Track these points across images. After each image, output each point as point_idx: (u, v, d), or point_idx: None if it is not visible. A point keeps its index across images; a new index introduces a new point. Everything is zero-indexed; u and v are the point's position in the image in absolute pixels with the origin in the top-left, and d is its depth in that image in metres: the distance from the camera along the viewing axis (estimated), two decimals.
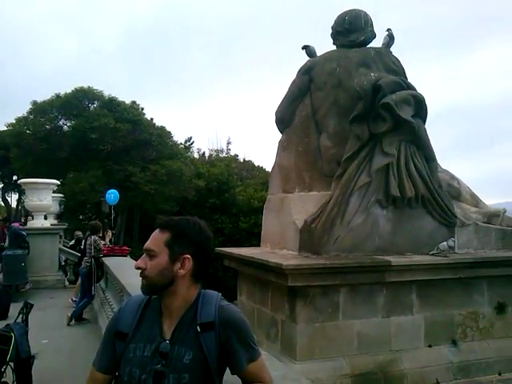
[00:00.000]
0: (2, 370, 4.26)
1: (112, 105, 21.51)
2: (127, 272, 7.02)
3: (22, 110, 22.08)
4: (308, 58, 6.82)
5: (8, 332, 4.41)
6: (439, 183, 6.34)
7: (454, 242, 6.06)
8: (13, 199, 34.11)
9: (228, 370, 1.89)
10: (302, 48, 6.85)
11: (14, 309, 7.06)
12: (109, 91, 22.50)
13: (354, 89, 6.04)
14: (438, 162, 6.61)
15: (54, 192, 15.84)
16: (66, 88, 22.08)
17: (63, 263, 14.65)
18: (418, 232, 6.13)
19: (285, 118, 6.59)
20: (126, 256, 10.13)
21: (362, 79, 6.02)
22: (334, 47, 6.80)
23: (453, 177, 7.15)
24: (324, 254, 5.66)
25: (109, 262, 9.07)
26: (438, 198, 6.14)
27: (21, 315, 5.03)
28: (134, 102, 23.06)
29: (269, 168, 25.81)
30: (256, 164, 29.37)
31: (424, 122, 6.25)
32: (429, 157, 6.25)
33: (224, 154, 30.29)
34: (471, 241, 6.44)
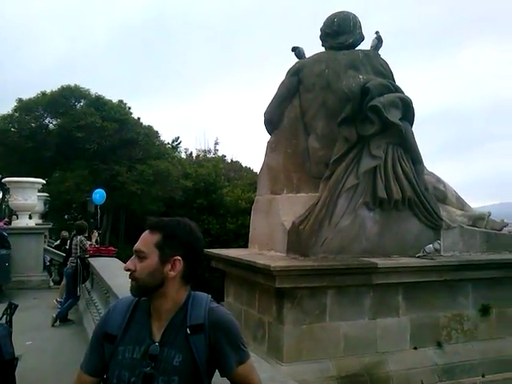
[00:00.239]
0: None
1: (99, 103, 21.29)
2: (114, 273, 6.96)
3: (7, 107, 21.73)
4: (297, 60, 6.85)
5: None
6: (426, 186, 6.40)
7: (440, 244, 6.11)
8: None
9: (217, 372, 1.89)
10: (292, 49, 6.87)
11: None
12: (96, 90, 22.31)
13: (342, 91, 6.07)
14: (427, 164, 6.69)
15: (39, 191, 15.65)
16: (52, 86, 21.84)
17: (48, 263, 14.47)
18: (405, 234, 6.18)
19: (273, 120, 6.60)
20: (112, 256, 10.04)
21: (350, 81, 6.05)
22: (323, 49, 6.83)
23: (439, 180, 7.22)
24: (312, 255, 5.68)
25: (95, 262, 8.99)
26: (424, 200, 6.19)
27: (4, 316, 4.94)
28: (121, 101, 22.85)
29: (256, 169, 25.76)
30: (244, 165, 29.34)
31: (411, 124, 6.31)
32: (416, 160, 6.30)
33: (212, 155, 30.20)
34: (456, 243, 6.51)
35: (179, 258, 1.84)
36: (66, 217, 24.37)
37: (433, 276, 5.92)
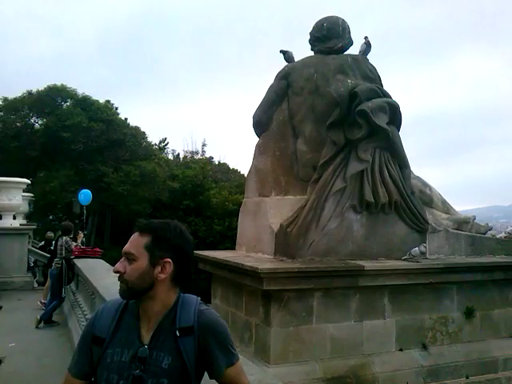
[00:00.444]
0: None
1: (85, 103, 21.12)
2: (99, 274, 6.91)
3: None
4: (286, 63, 6.87)
5: None
6: (412, 190, 6.46)
7: (426, 247, 6.18)
8: None
9: (206, 375, 1.89)
10: (280, 52, 6.89)
11: None
12: (83, 89, 22.13)
13: (330, 95, 6.11)
14: (413, 168, 6.75)
15: (23, 191, 15.46)
16: (38, 85, 21.63)
17: (32, 264, 14.30)
18: (391, 237, 6.23)
19: (262, 122, 6.61)
20: (98, 258, 9.95)
21: (338, 85, 6.10)
22: (312, 53, 6.87)
23: (425, 184, 7.30)
24: (299, 257, 5.70)
25: (80, 263, 8.90)
26: (410, 204, 6.26)
27: None
28: (107, 101, 22.69)
29: (244, 171, 25.79)
30: (231, 167, 29.31)
31: (398, 129, 6.37)
32: (402, 164, 6.37)
33: (199, 156, 30.12)
34: (442, 247, 6.59)
35: (169, 260, 1.84)
36: (50, 217, 24.10)
37: (418, 279, 5.98)
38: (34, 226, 17.52)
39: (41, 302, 10.20)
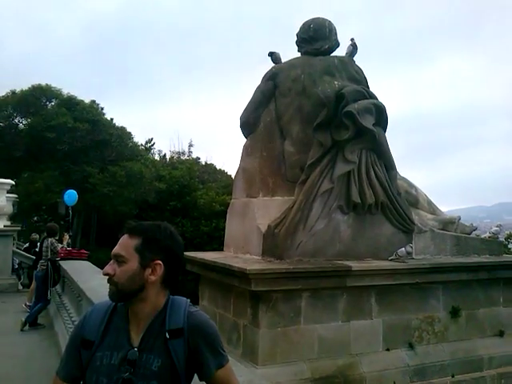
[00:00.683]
0: None
1: (71, 103, 20.94)
2: (86, 276, 6.87)
3: None
4: (273, 64, 6.89)
5: None
6: (398, 191, 6.51)
7: (412, 247, 6.23)
8: None
9: (196, 377, 1.89)
10: (268, 54, 6.90)
11: None
12: (68, 89, 21.93)
13: (317, 96, 6.14)
14: (399, 168, 6.80)
15: (7, 192, 15.26)
16: (22, 85, 21.37)
17: (17, 266, 14.13)
18: (378, 238, 6.28)
19: (249, 123, 6.61)
20: (84, 259, 9.87)
21: (325, 87, 6.13)
22: (299, 54, 6.90)
23: (411, 185, 7.37)
24: (287, 258, 5.71)
25: (66, 265, 8.83)
26: (396, 205, 6.31)
27: None
28: (93, 102, 22.54)
29: (231, 171, 25.79)
30: (218, 167, 29.29)
31: (385, 130, 6.42)
32: (389, 165, 6.41)
33: (186, 157, 30.05)
34: (428, 247, 6.66)
35: (160, 262, 1.84)
36: (35, 218, 23.84)
37: (405, 279, 6.03)
38: (19, 228, 17.32)
39: (25, 305, 10.09)
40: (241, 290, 5.61)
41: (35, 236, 15.50)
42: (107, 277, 1.85)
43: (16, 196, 19.13)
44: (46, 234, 9.89)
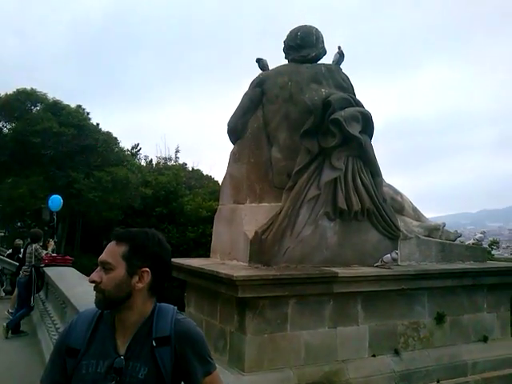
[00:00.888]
0: None
1: (56, 108, 20.72)
2: (70, 283, 6.79)
3: None
4: (260, 71, 6.92)
5: None
6: (384, 197, 6.57)
7: (398, 254, 6.28)
8: None
9: None
10: (256, 61, 6.94)
11: None
12: (53, 94, 21.73)
13: (304, 103, 6.18)
14: (384, 175, 6.86)
15: None
16: (7, 89, 21.14)
17: None
18: (364, 244, 6.32)
19: (237, 129, 6.63)
20: (68, 266, 9.75)
21: (313, 94, 6.17)
22: (286, 61, 6.94)
23: (396, 191, 7.43)
24: (274, 265, 5.72)
25: (50, 272, 8.72)
26: (382, 211, 6.36)
27: None
28: (79, 106, 22.33)
29: (218, 177, 25.74)
30: (205, 173, 29.20)
31: (371, 138, 6.47)
32: (374, 172, 6.47)
33: (172, 162, 29.90)
34: (413, 253, 6.71)
35: (147, 269, 1.83)
36: (18, 224, 23.51)
37: (391, 285, 6.07)
38: (2, 234, 17.08)
39: (8, 312, 9.93)
40: (227, 297, 5.60)
41: (19, 242, 15.29)
42: (93, 284, 1.84)
43: None
44: (29, 239, 9.77)
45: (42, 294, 9.51)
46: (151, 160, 30.63)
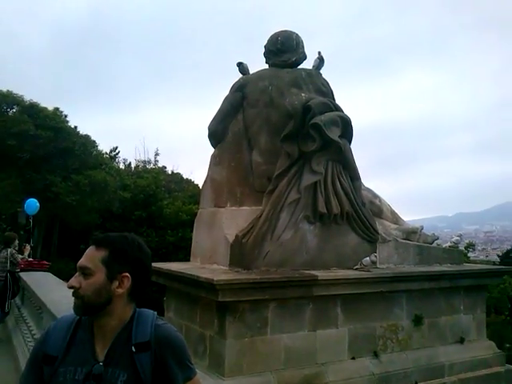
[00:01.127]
0: None
1: (33, 110, 20.39)
2: (47, 288, 6.67)
3: None
4: (241, 75, 6.93)
5: None
6: (363, 201, 6.63)
7: (376, 257, 6.35)
8: None
9: None
10: (236, 65, 6.95)
11: None
12: (30, 96, 21.37)
13: (285, 108, 6.21)
14: (363, 179, 6.93)
15: None
16: None
17: None
18: (343, 247, 6.37)
19: (217, 133, 6.62)
20: (45, 271, 9.59)
21: (293, 99, 6.21)
22: (267, 66, 6.97)
23: (375, 195, 7.52)
24: (254, 268, 5.71)
25: (26, 277, 8.55)
26: (361, 215, 6.42)
27: None
28: (56, 109, 22.00)
29: (198, 181, 25.64)
30: (185, 176, 29.09)
31: (350, 142, 6.54)
32: (354, 176, 6.53)
33: (151, 166, 29.69)
34: (391, 256, 6.80)
35: (127, 274, 1.82)
36: None
37: (370, 288, 6.13)
38: None
39: None
40: (208, 301, 5.57)
41: None
42: (72, 289, 1.82)
43: None
44: (3, 243, 9.57)
45: (17, 299, 9.32)
46: (130, 163, 30.39)
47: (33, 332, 6.66)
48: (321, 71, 6.93)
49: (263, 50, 6.95)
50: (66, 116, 22.25)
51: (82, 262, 1.82)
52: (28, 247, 10.64)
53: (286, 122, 6.18)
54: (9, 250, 8.96)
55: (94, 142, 23.30)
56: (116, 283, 1.81)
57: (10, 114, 20.45)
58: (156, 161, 30.49)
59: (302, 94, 6.32)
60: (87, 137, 22.62)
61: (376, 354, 6.22)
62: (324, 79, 6.79)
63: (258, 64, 7.03)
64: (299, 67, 6.84)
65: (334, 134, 6.12)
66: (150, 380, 1.79)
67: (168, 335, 1.87)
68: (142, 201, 21.91)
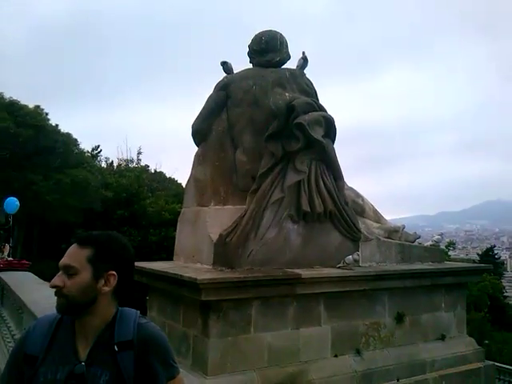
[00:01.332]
0: None
1: (13, 108, 20.10)
2: (28, 288, 6.58)
3: None
4: (225, 74, 6.92)
5: None
6: (346, 200, 6.68)
7: (359, 255, 6.40)
8: None
9: None
10: (220, 64, 6.93)
11: None
12: (10, 94, 21.05)
13: (269, 107, 6.23)
14: (346, 178, 6.98)
15: None
16: None
17: None
18: (326, 246, 6.40)
19: (201, 132, 6.60)
20: (25, 270, 9.45)
21: (277, 98, 6.23)
22: (251, 65, 6.97)
23: (358, 194, 7.59)
24: (238, 267, 5.72)
25: (6, 276, 8.42)
26: (344, 214, 6.47)
27: None
28: (37, 107, 21.73)
29: (181, 180, 25.54)
30: (168, 175, 28.96)
31: (333, 142, 6.58)
32: (337, 175, 6.57)
33: (134, 164, 29.50)
34: (374, 254, 6.86)
35: (114, 272, 1.82)
36: None
37: (352, 286, 6.18)
38: None
39: None
40: (191, 300, 5.56)
41: None
42: (54, 289, 1.80)
43: None
44: None
45: None
46: (112, 162, 30.15)
47: (13, 333, 6.56)
48: (305, 71, 6.96)
49: (247, 49, 6.95)
50: (47, 114, 22.01)
51: (66, 260, 1.80)
52: (7, 247, 10.49)
53: (270, 121, 6.19)
54: None
55: (76, 140, 23.12)
56: (102, 281, 1.80)
57: None
58: (139, 159, 30.34)
59: (286, 93, 6.35)
60: (69, 135, 22.40)
61: (358, 352, 6.27)
62: (308, 79, 6.82)
63: (242, 64, 7.03)
64: (283, 67, 6.86)
65: (318, 133, 6.15)
66: (132, 379, 1.78)
67: (151, 334, 1.87)
68: (125, 200, 21.75)
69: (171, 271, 5.74)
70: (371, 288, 6.34)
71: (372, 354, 6.37)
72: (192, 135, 6.71)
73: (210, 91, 6.79)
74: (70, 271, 1.77)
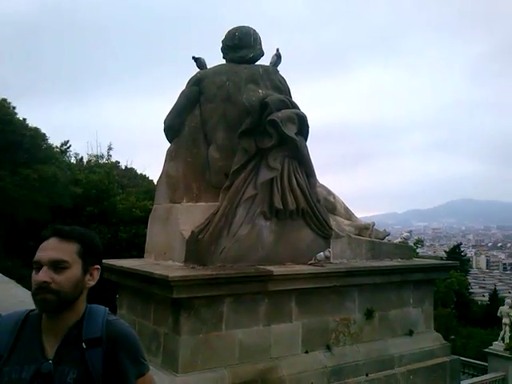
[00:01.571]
0: None
1: None
2: None
3: None
4: (198, 69, 6.87)
5: None
6: (318, 198, 6.73)
7: (330, 252, 6.47)
8: None
9: None
10: (193, 59, 6.88)
11: None
12: None
13: (242, 104, 6.21)
14: (317, 176, 7.04)
15: None
16: None
17: None
18: (298, 243, 6.44)
19: (174, 128, 6.53)
20: None
21: (250, 95, 6.22)
22: (224, 61, 6.94)
23: (329, 192, 7.66)
24: (210, 264, 5.69)
25: None
26: (316, 211, 6.52)
27: None
28: (4, 100, 21.07)
29: (152, 176, 25.27)
30: (139, 172, 28.57)
31: (306, 139, 6.62)
32: (309, 173, 6.62)
33: (104, 160, 28.97)
34: (345, 251, 6.94)
35: (98, 267, 1.85)
36: None
37: (323, 282, 6.24)
38: None
39: None
40: (162, 298, 5.51)
41: None
42: (38, 286, 1.71)
43: None
44: None
45: None
46: (82, 158, 29.52)
47: None
48: (278, 68, 6.98)
49: (220, 44, 6.92)
50: (14, 108, 21.35)
51: (54, 254, 1.73)
52: None
53: (243, 117, 6.18)
54: None
55: (44, 135, 22.47)
56: (88, 276, 1.81)
57: None
58: (109, 155, 29.76)
59: (259, 90, 6.34)
60: (37, 130, 21.77)
61: (329, 348, 6.35)
62: (281, 76, 6.84)
63: (216, 59, 6.99)
64: (257, 63, 6.85)
65: (291, 130, 6.17)
66: (100, 377, 1.75)
67: (120, 331, 1.85)
68: (95, 196, 21.35)
69: (142, 268, 5.68)
70: (342, 284, 6.41)
71: (342, 350, 6.45)
72: (164, 131, 6.64)
73: (183, 87, 6.73)
74: (61, 265, 1.72)
